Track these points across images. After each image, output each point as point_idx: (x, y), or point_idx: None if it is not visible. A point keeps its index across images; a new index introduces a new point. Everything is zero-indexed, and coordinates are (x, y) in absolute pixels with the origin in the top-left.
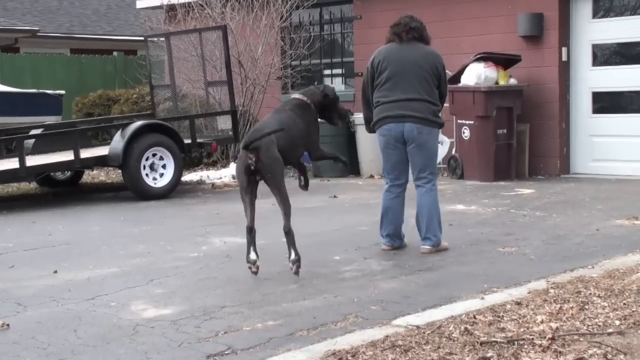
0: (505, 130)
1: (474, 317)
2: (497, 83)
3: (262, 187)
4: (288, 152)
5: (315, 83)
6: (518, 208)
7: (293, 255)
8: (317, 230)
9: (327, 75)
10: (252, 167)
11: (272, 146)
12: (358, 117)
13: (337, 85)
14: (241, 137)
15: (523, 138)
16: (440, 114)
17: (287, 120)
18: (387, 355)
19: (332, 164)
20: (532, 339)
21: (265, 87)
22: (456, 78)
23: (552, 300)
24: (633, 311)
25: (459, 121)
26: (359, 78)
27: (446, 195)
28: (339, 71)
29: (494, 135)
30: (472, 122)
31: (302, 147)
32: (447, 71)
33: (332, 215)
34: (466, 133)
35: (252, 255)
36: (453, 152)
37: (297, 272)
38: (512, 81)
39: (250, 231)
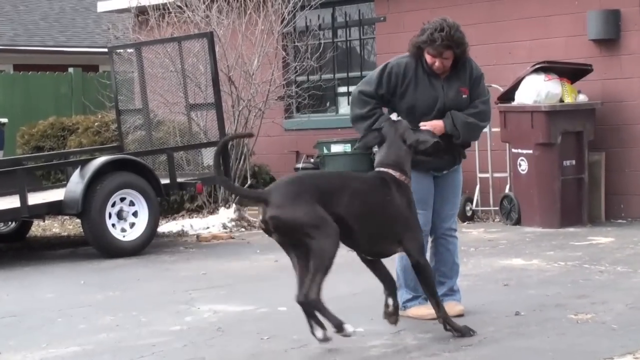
0: (573, 162)
1: None
2: (562, 101)
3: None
4: (360, 225)
5: (328, 104)
6: (593, 262)
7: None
8: (334, 294)
9: (343, 94)
10: (264, 226)
11: (291, 198)
12: None
13: None
14: (234, 174)
15: (597, 171)
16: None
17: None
18: None
19: None
20: None
21: (263, 111)
22: (509, 95)
23: None
24: None
25: (514, 150)
26: None
27: (499, 247)
28: None
29: (559, 168)
30: (530, 151)
31: (387, 234)
32: (497, 86)
33: (353, 275)
34: (523, 166)
35: (319, 333)
36: (507, 190)
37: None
38: (582, 98)
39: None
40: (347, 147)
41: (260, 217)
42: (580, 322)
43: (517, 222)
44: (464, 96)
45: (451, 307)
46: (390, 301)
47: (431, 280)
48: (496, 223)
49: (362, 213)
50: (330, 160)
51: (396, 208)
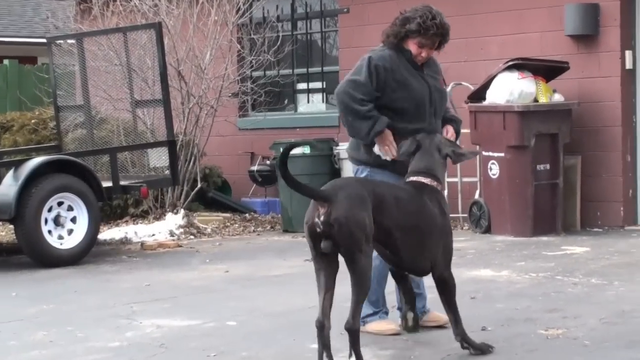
0: (548, 166)
1: None
2: (536, 100)
3: None
4: (402, 237)
5: (286, 101)
6: (566, 274)
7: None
8: (288, 307)
9: (302, 91)
10: (319, 229)
11: (359, 202)
12: (344, 149)
13: (317, 105)
14: (183, 176)
15: (573, 176)
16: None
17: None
18: None
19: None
20: None
21: (215, 108)
22: (480, 94)
23: None
24: None
25: (485, 153)
26: None
27: (467, 257)
28: (318, 85)
29: (532, 172)
30: (502, 154)
31: (427, 246)
32: (467, 84)
33: (309, 286)
34: (494, 169)
35: None
36: (477, 196)
37: None
38: (557, 97)
39: (322, 328)
40: (307, 149)
41: (321, 218)
42: (550, 337)
43: (487, 230)
44: (443, 87)
45: (439, 317)
46: (410, 315)
47: (454, 295)
48: (465, 231)
49: (407, 225)
50: (288, 163)
51: (433, 217)
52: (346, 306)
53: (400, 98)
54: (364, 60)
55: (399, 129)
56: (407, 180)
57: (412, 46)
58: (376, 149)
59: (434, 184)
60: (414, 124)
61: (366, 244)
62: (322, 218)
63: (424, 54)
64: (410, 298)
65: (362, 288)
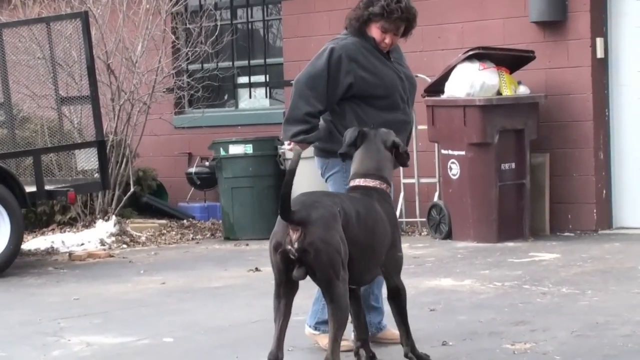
0: (513, 165)
1: None
2: (499, 93)
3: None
4: (360, 255)
5: (226, 97)
6: (535, 282)
7: None
8: (229, 321)
9: (244, 85)
10: (294, 256)
11: (334, 223)
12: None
13: (260, 100)
14: (114, 180)
15: (541, 176)
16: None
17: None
18: None
19: (253, 217)
20: None
21: (148, 105)
22: (438, 86)
23: None
24: None
25: (444, 152)
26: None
27: (426, 265)
28: (260, 78)
29: (496, 172)
30: (463, 152)
31: (379, 258)
32: (423, 76)
33: (252, 299)
34: (454, 169)
35: None
36: (436, 198)
37: None
38: (523, 90)
39: None
40: (249, 148)
41: (295, 245)
42: (517, 352)
43: (448, 236)
44: (412, 74)
45: (395, 334)
46: (363, 353)
47: (405, 305)
48: (423, 237)
49: (365, 241)
50: (229, 164)
51: (384, 225)
52: (294, 319)
53: (371, 86)
54: (325, 51)
55: (373, 119)
56: (353, 184)
57: (374, 31)
58: (286, 147)
59: (383, 186)
60: (387, 113)
61: (343, 269)
62: (295, 244)
63: (387, 40)
64: (362, 331)
65: (340, 318)
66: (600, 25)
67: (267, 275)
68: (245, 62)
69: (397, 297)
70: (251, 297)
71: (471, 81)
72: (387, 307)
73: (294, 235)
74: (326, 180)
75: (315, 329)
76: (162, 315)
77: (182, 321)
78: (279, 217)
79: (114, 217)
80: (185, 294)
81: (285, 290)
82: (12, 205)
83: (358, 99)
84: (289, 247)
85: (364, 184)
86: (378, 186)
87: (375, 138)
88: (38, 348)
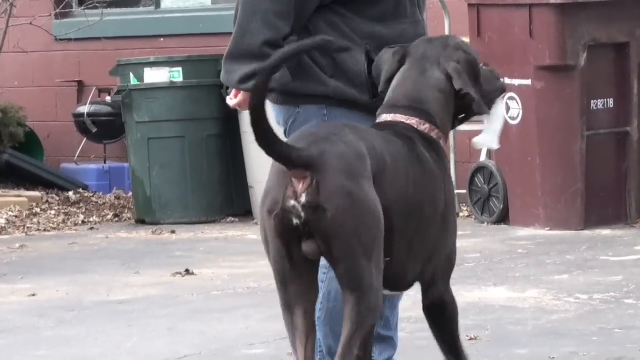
0: (611, 102)
1: None
2: None
3: None
4: (399, 234)
5: None
6: None
7: None
8: (141, 357)
9: None
10: (299, 218)
11: (363, 168)
12: None
13: None
14: None
15: None
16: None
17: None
18: None
19: (183, 188)
20: None
21: (12, 3)
22: None
23: None
24: None
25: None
26: None
27: (465, 266)
28: None
29: (583, 114)
30: (527, 81)
31: (427, 246)
32: None
33: (180, 321)
34: (514, 109)
35: None
36: (483, 157)
37: None
38: None
39: None
40: (177, 73)
41: (302, 199)
42: None
43: (502, 219)
44: None
45: None
46: None
47: (457, 328)
48: (462, 220)
49: (411, 208)
50: (144, 100)
51: (439, 191)
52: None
53: None
54: None
55: (363, 34)
56: (379, 120)
57: None
58: (231, 101)
59: (426, 128)
60: (391, 24)
61: (378, 248)
62: (302, 198)
63: None
64: None
65: (365, 317)
66: None
67: (206, 281)
68: None
69: (443, 315)
70: (178, 318)
71: None
72: (401, 334)
73: (301, 186)
74: None
75: None
76: (31, 347)
77: (65, 357)
78: (273, 161)
79: None
80: (68, 312)
81: (298, 291)
82: None
83: (339, 5)
84: (292, 202)
85: (392, 119)
86: (420, 127)
87: (422, 59)
88: None
